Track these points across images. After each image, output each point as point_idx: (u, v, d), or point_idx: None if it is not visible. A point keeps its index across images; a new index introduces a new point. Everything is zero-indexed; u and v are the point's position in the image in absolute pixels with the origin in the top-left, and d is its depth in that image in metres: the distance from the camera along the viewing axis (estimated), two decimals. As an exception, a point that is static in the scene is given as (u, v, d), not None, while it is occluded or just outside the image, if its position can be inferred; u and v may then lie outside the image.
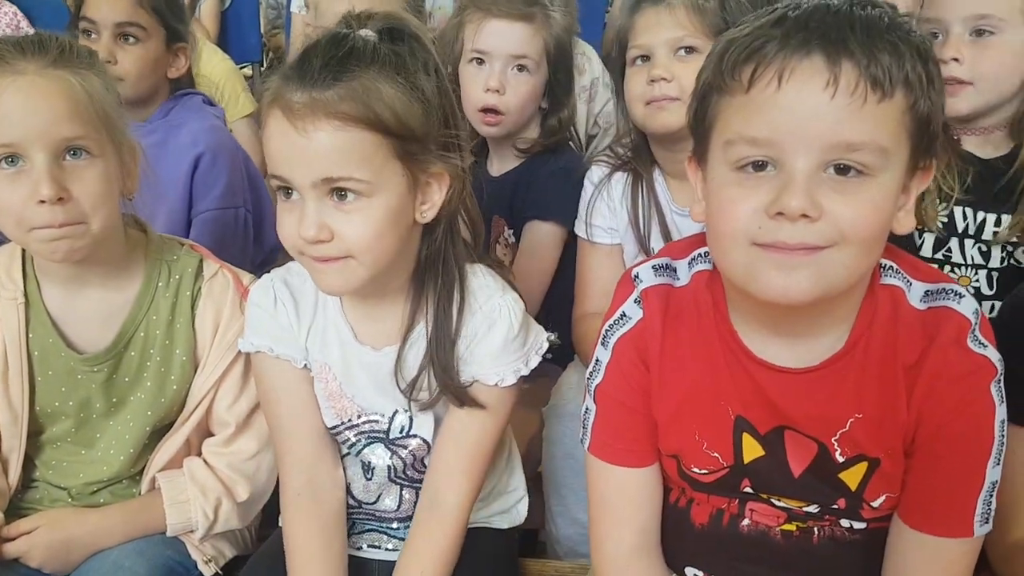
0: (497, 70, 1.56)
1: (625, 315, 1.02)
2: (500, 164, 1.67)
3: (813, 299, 0.83)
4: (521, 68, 1.57)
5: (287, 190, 1.01)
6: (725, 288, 0.96)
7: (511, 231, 1.64)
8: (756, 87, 0.81)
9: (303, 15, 3.31)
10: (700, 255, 1.00)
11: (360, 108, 0.95)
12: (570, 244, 1.63)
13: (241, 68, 3.21)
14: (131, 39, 1.62)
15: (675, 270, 1.01)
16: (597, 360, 1.04)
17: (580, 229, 1.55)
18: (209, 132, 1.67)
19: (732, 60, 0.84)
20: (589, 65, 2.22)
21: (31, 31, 3.34)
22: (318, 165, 0.96)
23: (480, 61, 1.58)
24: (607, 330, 1.03)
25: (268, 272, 1.19)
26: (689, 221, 1.45)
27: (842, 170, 0.80)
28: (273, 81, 1.01)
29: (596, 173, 1.53)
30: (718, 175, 0.87)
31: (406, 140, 0.99)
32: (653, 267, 1.02)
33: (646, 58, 1.40)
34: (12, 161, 1.05)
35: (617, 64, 1.47)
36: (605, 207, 1.51)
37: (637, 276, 1.02)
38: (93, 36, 1.62)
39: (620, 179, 1.51)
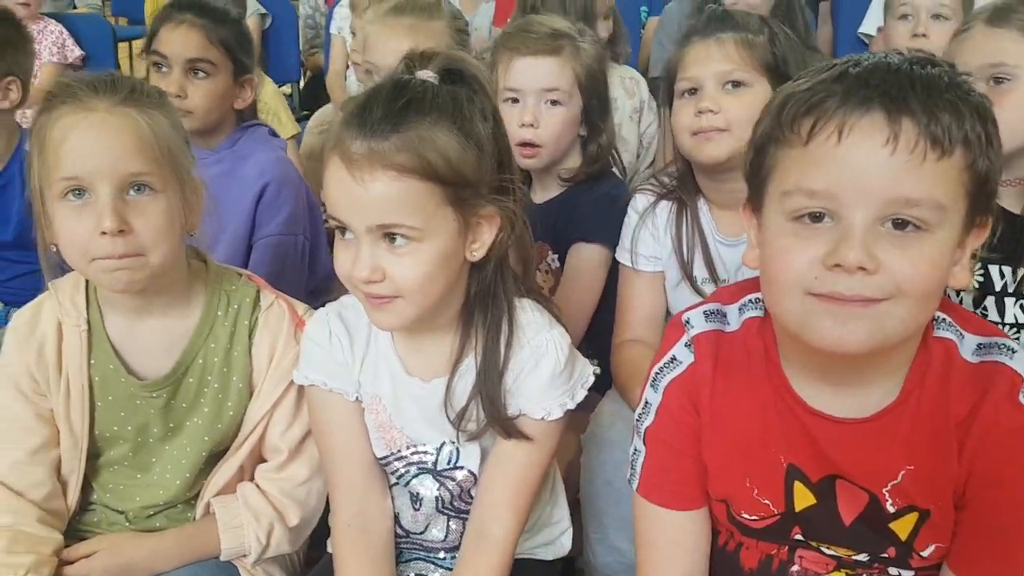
0: (530, 105, 1.59)
1: (675, 359, 1.03)
2: (543, 192, 1.69)
3: (868, 350, 0.84)
4: (553, 102, 1.59)
5: (343, 230, 1.04)
6: (777, 335, 0.97)
7: (555, 256, 1.66)
8: (815, 140, 0.83)
9: (341, 35, 3.38)
10: (751, 301, 1.01)
11: (415, 159, 0.98)
12: (611, 271, 1.65)
13: (280, 87, 3.28)
14: (201, 73, 1.67)
15: (725, 315, 1.02)
16: (647, 402, 1.06)
17: (623, 256, 1.56)
18: (275, 163, 1.73)
19: (792, 113, 0.85)
20: (638, 88, 2.28)
21: (75, 48, 3.44)
22: (373, 212, 1.00)
23: (514, 100, 1.60)
24: (657, 373, 1.05)
25: (323, 303, 1.22)
26: (733, 250, 1.48)
27: (900, 224, 0.81)
28: (335, 126, 1.04)
29: (641, 201, 1.55)
30: (774, 224, 0.88)
31: (458, 187, 1.01)
32: (704, 312, 1.03)
33: (694, 91, 1.42)
34: (79, 194, 1.09)
35: (665, 95, 1.49)
36: (649, 235, 1.53)
37: (688, 321, 1.03)
38: (164, 70, 1.67)
39: (665, 207, 1.52)
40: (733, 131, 1.37)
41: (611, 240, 1.60)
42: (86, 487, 1.25)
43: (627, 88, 2.25)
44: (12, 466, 1.19)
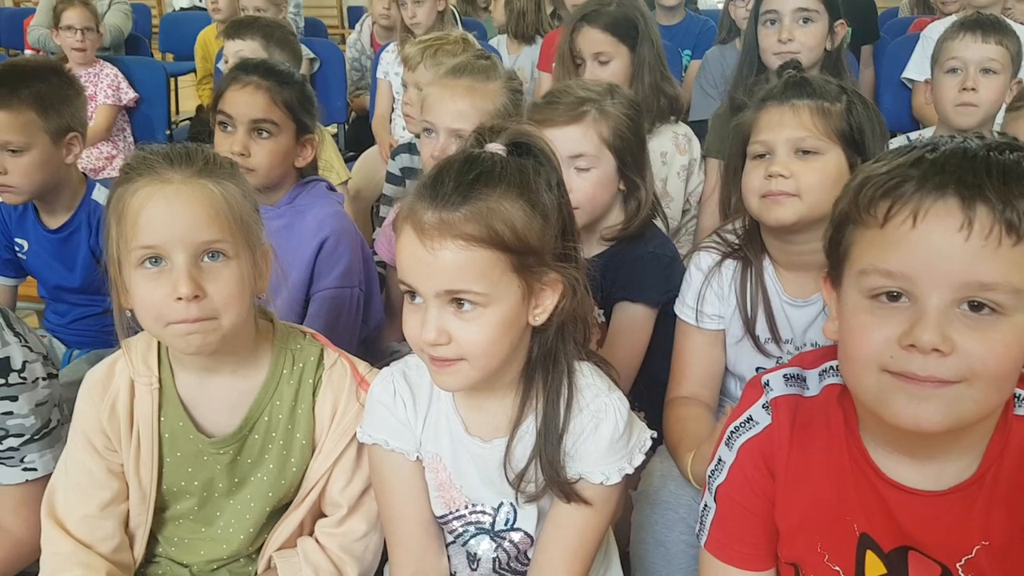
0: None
1: (752, 419, 1.05)
2: (588, 249, 1.70)
3: (943, 430, 0.85)
4: (580, 168, 1.60)
5: (413, 294, 1.07)
6: (856, 406, 0.98)
7: (600, 311, 1.68)
8: (891, 223, 0.85)
9: (387, 79, 3.45)
10: (831, 368, 1.03)
11: (484, 229, 1.02)
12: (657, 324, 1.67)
13: (326, 127, 3.34)
14: (264, 133, 1.72)
15: (805, 380, 1.04)
16: (720, 459, 1.08)
17: (685, 313, 1.57)
18: (334, 218, 1.77)
19: (869, 196, 0.88)
20: (689, 146, 2.27)
21: (129, 90, 3.54)
22: (441, 279, 1.03)
23: None
24: (732, 431, 1.07)
25: (375, 354, 1.25)
26: (799, 311, 1.49)
27: (976, 307, 0.82)
28: (409, 197, 1.08)
29: (705, 260, 1.55)
30: (852, 300, 0.90)
31: (523, 255, 1.05)
32: (784, 376, 1.05)
33: (766, 154, 1.43)
34: (155, 262, 1.12)
35: (737, 156, 1.50)
36: (714, 294, 1.53)
37: (767, 383, 1.05)
38: (229, 129, 1.72)
39: (730, 266, 1.53)
40: (803, 197, 1.37)
41: (656, 299, 1.62)
42: (152, 540, 1.28)
43: (679, 145, 2.25)
44: (83, 519, 1.22)
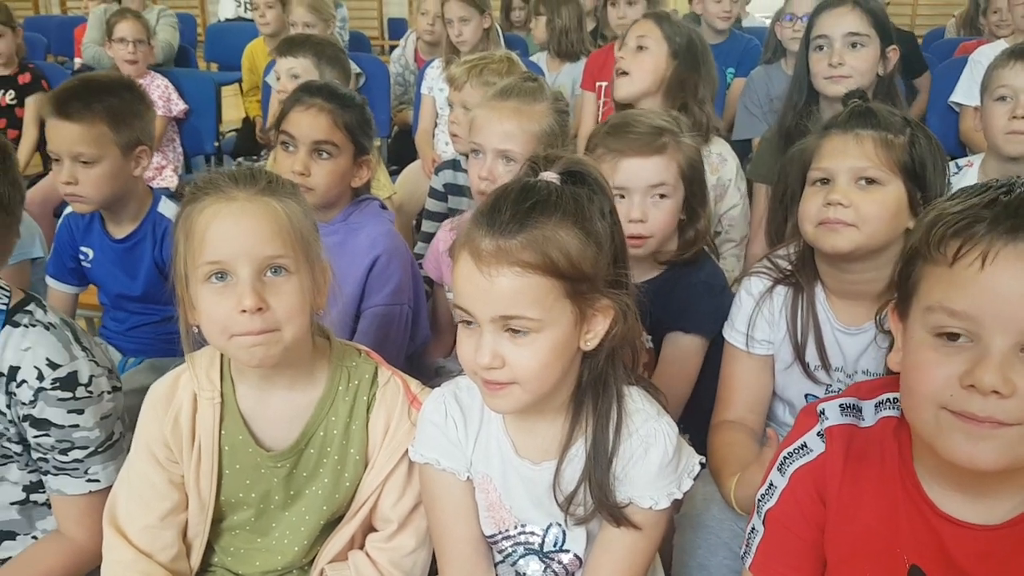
0: (637, 202, 1.60)
1: (806, 446, 1.07)
2: (640, 274, 1.71)
3: (998, 469, 0.86)
4: (661, 195, 1.62)
5: (468, 320, 1.10)
6: (912, 439, 0.99)
7: (649, 337, 1.69)
8: (960, 263, 0.86)
9: (431, 95, 3.49)
10: (888, 400, 1.04)
11: (539, 256, 1.04)
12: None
13: (370, 142, 3.39)
14: (325, 154, 1.76)
15: (861, 411, 1.05)
16: (771, 484, 1.09)
17: (735, 338, 1.57)
18: (386, 236, 1.81)
19: (940, 234, 0.88)
20: (724, 166, 2.27)
21: (180, 102, 3.63)
22: (497, 304, 1.06)
23: (621, 195, 1.61)
24: (785, 457, 1.08)
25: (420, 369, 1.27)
26: (851, 339, 1.49)
27: None
28: (466, 224, 1.11)
29: (756, 285, 1.56)
30: (917, 336, 0.91)
31: (577, 281, 1.07)
32: (840, 406, 1.06)
33: (826, 181, 1.43)
34: (221, 277, 1.16)
35: (796, 181, 1.50)
36: (764, 320, 1.54)
37: (823, 412, 1.07)
38: (291, 149, 1.77)
39: (781, 291, 1.53)
40: (861, 227, 1.38)
41: (708, 329, 1.63)
42: (208, 550, 1.32)
43: (711, 164, 2.24)
44: (144, 529, 1.26)
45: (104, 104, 1.83)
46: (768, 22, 5.94)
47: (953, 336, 0.87)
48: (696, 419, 1.63)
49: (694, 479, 1.21)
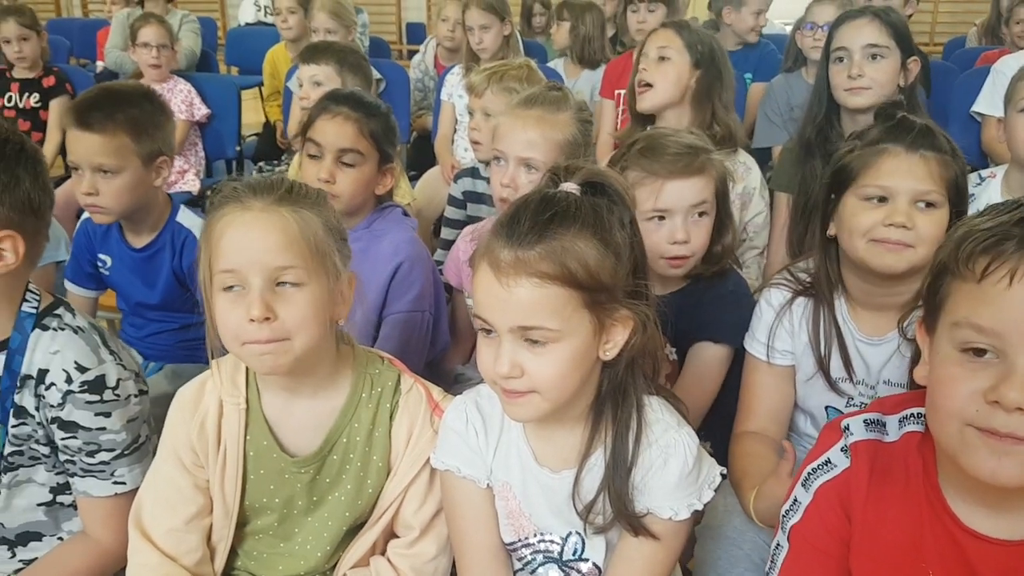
0: (680, 223, 1.59)
1: (830, 462, 1.07)
2: (662, 286, 1.71)
3: (1021, 485, 0.86)
4: (701, 213, 1.62)
5: (488, 330, 1.11)
6: (937, 454, 0.99)
7: (672, 349, 1.70)
8: (988, 280, 0.86)
9: (451, 101, 3.51)
10: (912, 415, 1.04)
11: (557, 267, 1.05)
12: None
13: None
14: (350, 162, 1.78)
15: (885, 426, 1.06)
16: (796, 500, 1.10)
17: (756, 349, 1.57)
18: (409, 243, 1.82)
19: (969, 250, 0.89)
20: (748, 175, 2.26)
21: (202, 106, 3.66)
22: (515, 314, 1.07)
23: (661, 217, 1.60)
24: (809, 473, 1.09)
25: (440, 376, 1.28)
26: (874, 349, 1.49)
27: None
28: (486, 235, 1.12)
29: (776, 296, 1.56)
30: (942, 350, 0.91)
31: (596, 292, 1.08)
32: (864, 421, 1.06)
33: (883, 199, 1.40)
34: (234, 285, 1.17)
35: (826, 192, 1.49)
36: (785, 331, 1.54)
37: (847, 427, 1.07)
38: (317, 156, 1.78)
39: (801, 303, 1.53)
40: (918, 248, 1.37)
41: (734, 339, 1.63)
42: (232, 554, 1.33)
43: (736, 173, 2.21)
44: (169, 532, 1.28)
45: (125, 115, 1.84)
46: (786, 28, 5.97)
47: (979, 352, 0.87)
48: (719, 428, 1.64)
49: (715, 490, 1.21)
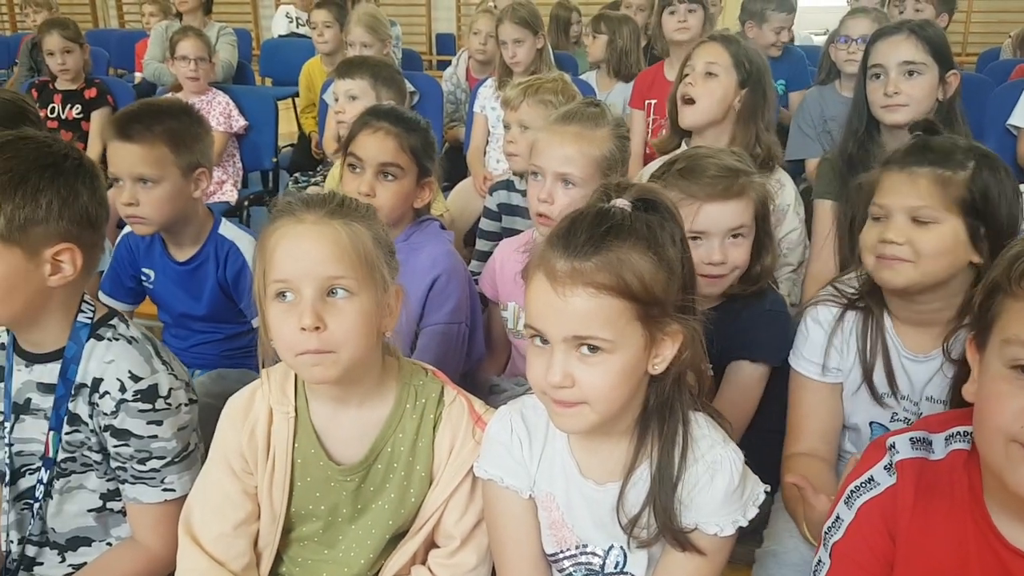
0: (716, 245, 1.60)
1: (873, 480, 1.08)
2: (702, 302, 1.72)
3: None
4: (737, 235, 1.62)
5: (540, 338, 1.12)
6: (983, 471, 1.00)
7: (710, 365, 1.69)
8: None
9: (483, 114, 3.54)
10: (959, 433, 1.04)
11: (613, 278, 1.07)
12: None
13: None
14: (390, 176, 1.81)
15: (931, 444, 1.06)
16: (838, 517, 1.11)
17: (806, 367, 1.57)
18: (446, 256, 1.85)
19: (1021, 269, 0.90)
20: (782, 192, 2.24)
21: (240, 118, 3.72)
22: (570, 324, 1.08)
23: (697, 238, 1.60)
24: (852, 491, 1.09)
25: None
26: (919, 366, 1.49)
27: None
28: (540, 247, 1.14)
29: (824, 314, 1.55)
30: (992, 368, 0.92)
31: (649, 305, 1.09)
32: (910, 439, 1.07)
33: (884, 216, 1.43)
34: (287, 295, 1.20)
35: (860, 211, 1.51)
36: (835, 349, 1.54)
37: (893, 446, 1.08)
38: (358, 170, 1.82)
39: (850, 318, 1.54)
40: (916, 263, 1.38)
41: (773, 357, 1.63)
42: (277, 560, 1.36)
43: (771, 191, 2.25)
44: (218, 538, 1.30)
45: (165, 126, 1.88)
46: (814, 39, 5.97)
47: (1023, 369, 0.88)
48: (757, 445, 1.63)
49: (759, 507, 1.22)
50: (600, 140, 1.84)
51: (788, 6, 3.85)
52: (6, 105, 2.20)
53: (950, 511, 1.01)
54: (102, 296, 2.13)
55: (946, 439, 1.05)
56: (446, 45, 9.28)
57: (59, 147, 1.30)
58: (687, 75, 2.29)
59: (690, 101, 2.27)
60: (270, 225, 1.24)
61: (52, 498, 1.42)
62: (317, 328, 1.18)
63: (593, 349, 1.09)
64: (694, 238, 1.60)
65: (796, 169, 3.27)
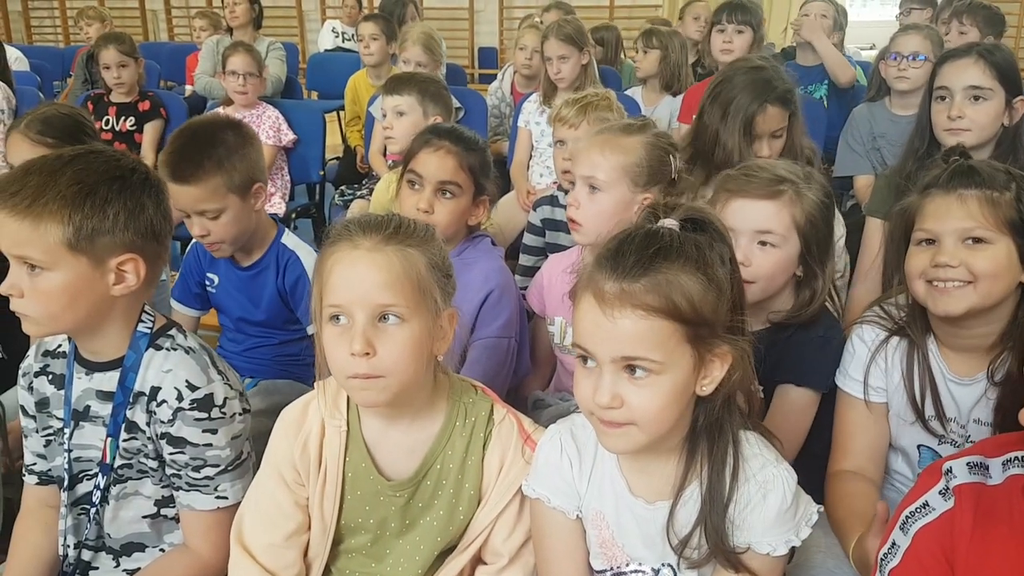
0: (743, 245, 1.58)
1: (928, 505, 1.07)
2: (752, 324, 1.70)
3: None
4: (764, 243, 1.60)
5: (586, 358, 1.13)
6: None
7: (760, 387, 1.67)
8: None
9: (527, 128, 3.56)
10: (1017, 458, 1.03)
11: (662, 300, 1.07)
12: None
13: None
14: (448, 194, 1.84)
15: (988, 468, 1.05)
16: (894, 543, 1.10)
17: (851, 387, 1.56)
18: (499, 272, 1.88)
19: None
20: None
21: (289, 132, 3.77)
22: (619, 345, 1.09)
23: None
24: (908, 516, 1.09)
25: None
26: (965, 390, 1.47)
27: None
28: (588, 267, 1.14)
29: (869, 334, 1.55)
30: None
31: (698, 326, 1.09)
32: (967, 464, 1.06)
33: (932, 241, 1.42)
34: (340, 319, 1.22)
35: (899, 238, 1.49)
36: (879, 369, 1.53)
37: (950, 471, 1.07)
38: (417, 187, 1.85)
39: (895, 342, 1.53)
40: (975, 285, 1.37)
41: (822, 383, 1.61)
42: (326, 572, 1.37)
43: None
44: (268, 547, 1.32)
45: (212, 157, 1.88)
46: (861, 53, 5.90)
47: None
48: (805, 466, 1.62)
49: (812, 527, 1.21)
50: (628, 147, 1.83)
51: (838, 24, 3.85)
52: (64, 119, 2.25)
53: (1010, 535, 1.00)
54: (172, 303, 2.19)
55: (1003, 464, 1.04)
56: (488, 59, 9.36)
57: (127, 161, 1.34)
58: None
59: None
60: (328, 248, 1.26)
61: (108, 504, 1.45)
62: (367, 354, 1.19)
63: (642, 370, 1.09)
64: None
65: (844, 186, 3.25)
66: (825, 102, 3.74)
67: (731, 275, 1.15)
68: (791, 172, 1.65)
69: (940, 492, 1.06)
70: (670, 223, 1.15)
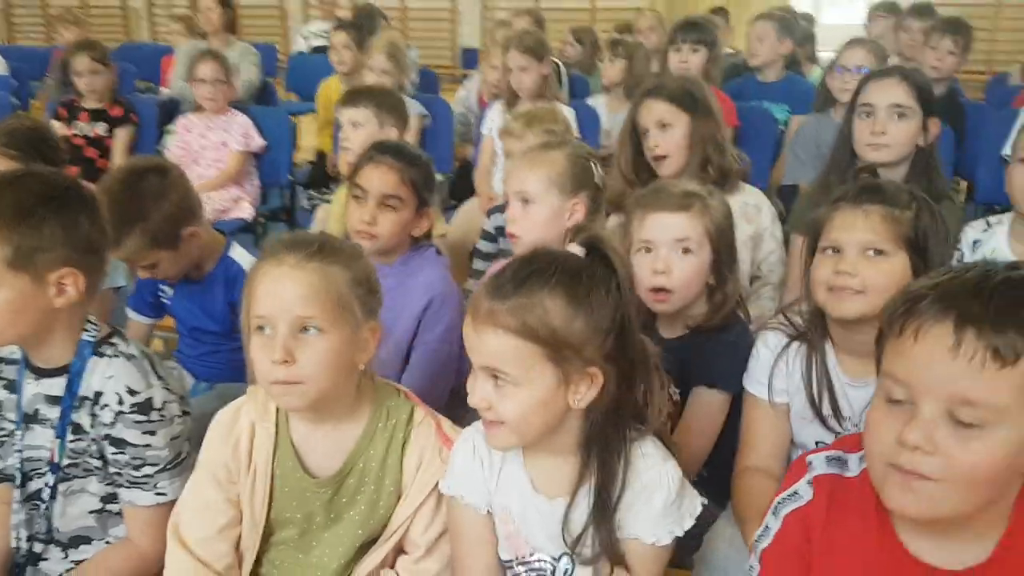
0: (662, 255, 1.71)
1: (797, 493, 1.18)
2: (670, 330, 1.80)
3: (925, 519, 1.00)
4: (685, 250, 1.72)
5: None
6: None
7: (677, 390, 1.76)
8: (903, 336, 0.97)
9: (492, 135, 3.65)
10: None
11: (518, 323, 1.19)
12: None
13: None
14: (391, 207, 1.95)
15: (846, 462, 1.16)
16: (767, 526, 1.20)
17: (756, 388, 1.67)
18: (441, 281, 2.00)
19: (892, 307, 1.01)
20: (758, 216, 2.34)
21: (258, 137, 3.86)
22: (483, 357, 1.23)
23: (648, 249, 1.73)
24: (779, 503, 1.20)
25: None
26: (859, 391, 1.58)
27: (960, 420, 0.93)
28: (482, 284, 1.27)
29: (772, 339, 1.65)
30: (876, 398, 1.03)
31: (559, 348, 1.20)
32: (827, 457, 1.17)
33: (836, 250, 1.53)
34: (264, 329, 1.32)
35: (809, 246, 1.60)
36: (781, 372, 1.63)
37: (811, 463, 1.18)
38: (361, 200, 1.96)
39: (795, 346, 1.63)
40: (867, 295, 1.48)
41: (733, 386, 1.71)
42: (257, 562, 1.47)
43: (746, 214, 2.31)
44: (202, 540, 1.42)
45: (127, 223, 1.90)
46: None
47: (893, 400, 0.98)
48: (719, 467, 1.72)
49: (696, 519, 1.32)
50: (552, 160, 1.98)
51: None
52: (28, 133, 2.36)
53: (860, 524, 1.10)
54: (128, 311, 2.27)
55: (860, 458, 1.14)
56: (471, 59, 9.40)
57: (62, 181, 1.44)
58: (652, 138, 2.37)
59: (662, 157, 2.36)
60: (258, 263, 1.37)
61: (57, 500, 1.54)
62: (286, 362, 1.29)
63: (502, 380, 1.21)
64: (646, 249, 1.73)
65: (792, 193, 3.35)
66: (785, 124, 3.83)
67: (616, 302, 1.24)
68: (697, 188, 1.78)
69: (807, 482, 1.17)
70: (575, 248, 1.26)
